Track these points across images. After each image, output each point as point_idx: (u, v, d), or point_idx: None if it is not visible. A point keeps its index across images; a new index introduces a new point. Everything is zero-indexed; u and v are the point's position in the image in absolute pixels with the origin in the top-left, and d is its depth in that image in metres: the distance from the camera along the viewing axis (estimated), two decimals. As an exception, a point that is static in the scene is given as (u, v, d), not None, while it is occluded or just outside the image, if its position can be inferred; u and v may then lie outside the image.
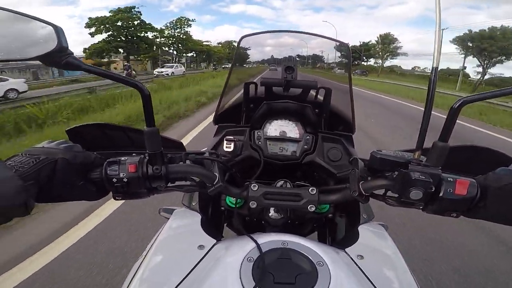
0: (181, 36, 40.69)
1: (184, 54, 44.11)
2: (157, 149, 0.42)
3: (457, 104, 0.37)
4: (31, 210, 0.35)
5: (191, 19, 42.49)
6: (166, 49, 41.62)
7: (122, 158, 0.43)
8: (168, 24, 40.09)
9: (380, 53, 46.67)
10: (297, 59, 1.05)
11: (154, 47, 38.22)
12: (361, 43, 49.18)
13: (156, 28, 37.26)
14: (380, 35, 45.51)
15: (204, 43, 46.25)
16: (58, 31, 0.33)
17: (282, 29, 1.05)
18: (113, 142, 0.58)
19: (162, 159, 0.43)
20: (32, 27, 0.33)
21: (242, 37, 0.78)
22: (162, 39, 39.60)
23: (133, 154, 0.44)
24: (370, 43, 48.48)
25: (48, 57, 0.33)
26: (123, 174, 0.42)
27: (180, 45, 40.85)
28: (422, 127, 0.39)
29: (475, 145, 0.53)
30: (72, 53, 0.35)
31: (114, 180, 0.42)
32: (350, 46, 0.88)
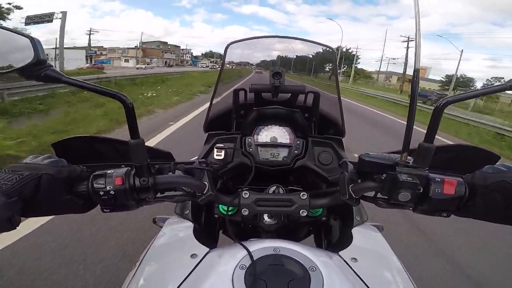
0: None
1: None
2: (143, 160, 0.42)
3: (441, 104, 0.37)
4: (17, 225, 0.35)
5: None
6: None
7: (109, 171, 0.42)
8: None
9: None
10: (288, 63, 1.05)
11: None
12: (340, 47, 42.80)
13: None
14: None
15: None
16: (35, 43, 0.32)
17: (270, 35, 1.06)
18: (101, 154, 0.57)
19: (149, 170, 0.43)
20: (7, 39, 0.32)
21: (229, 44, 0.78)
22: None
23: (122, 166, 0.43)
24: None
25: (25, 71, 0.33)
26: (110, 187, 0.41)
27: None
28: (407, 129, 0.39)
29: (461, 144, 0.54)
30: (51, 66, 0.34)
31: (101, 193, 0.41)
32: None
